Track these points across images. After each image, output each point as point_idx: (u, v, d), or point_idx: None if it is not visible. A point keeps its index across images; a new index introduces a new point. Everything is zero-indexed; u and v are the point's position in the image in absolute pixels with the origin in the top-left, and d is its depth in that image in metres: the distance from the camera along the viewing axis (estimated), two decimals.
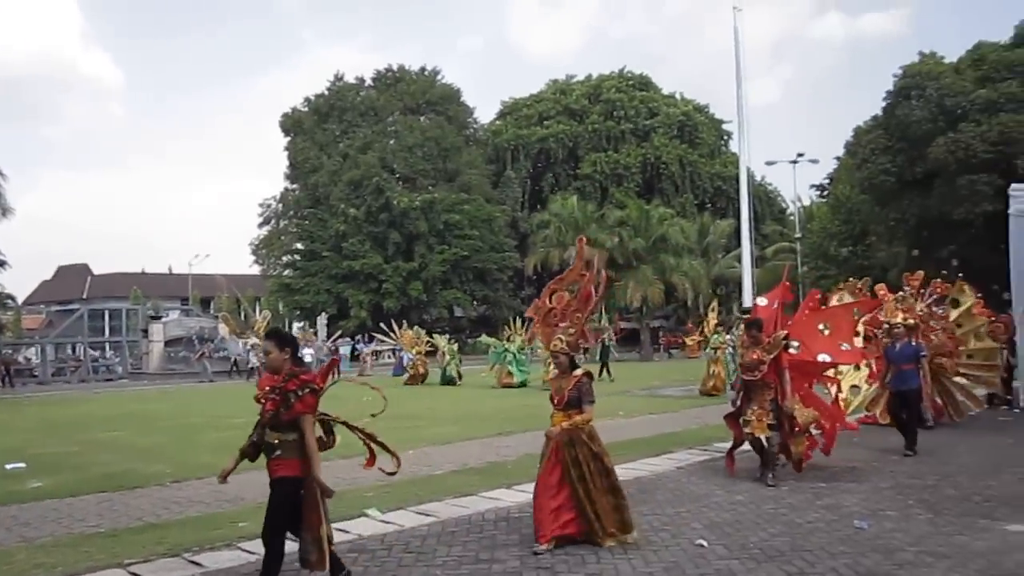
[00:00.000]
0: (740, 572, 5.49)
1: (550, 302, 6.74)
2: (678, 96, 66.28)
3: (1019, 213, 15.10)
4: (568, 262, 52.89)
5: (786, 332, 8.58)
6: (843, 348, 9.05)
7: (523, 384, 23.40)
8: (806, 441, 8.94)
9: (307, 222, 55.79)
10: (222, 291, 59.64)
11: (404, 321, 34.74)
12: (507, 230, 57.38)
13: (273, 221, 61.38)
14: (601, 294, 6.62)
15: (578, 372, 6.31)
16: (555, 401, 6.35)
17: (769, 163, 46.70)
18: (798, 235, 45.61)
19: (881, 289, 13.32)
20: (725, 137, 65.55)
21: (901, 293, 13.32)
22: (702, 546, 6.13)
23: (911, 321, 11.34)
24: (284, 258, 59.09)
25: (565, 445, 6.20)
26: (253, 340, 35.77)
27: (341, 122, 58.93)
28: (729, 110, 67.16)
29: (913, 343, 10.73)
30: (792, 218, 52.93)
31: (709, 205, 62.33)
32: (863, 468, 9.29)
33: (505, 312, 57.15)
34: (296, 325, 54.23)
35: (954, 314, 13.57)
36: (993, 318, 14.70)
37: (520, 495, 8.09)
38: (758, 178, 59.05)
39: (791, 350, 8.64)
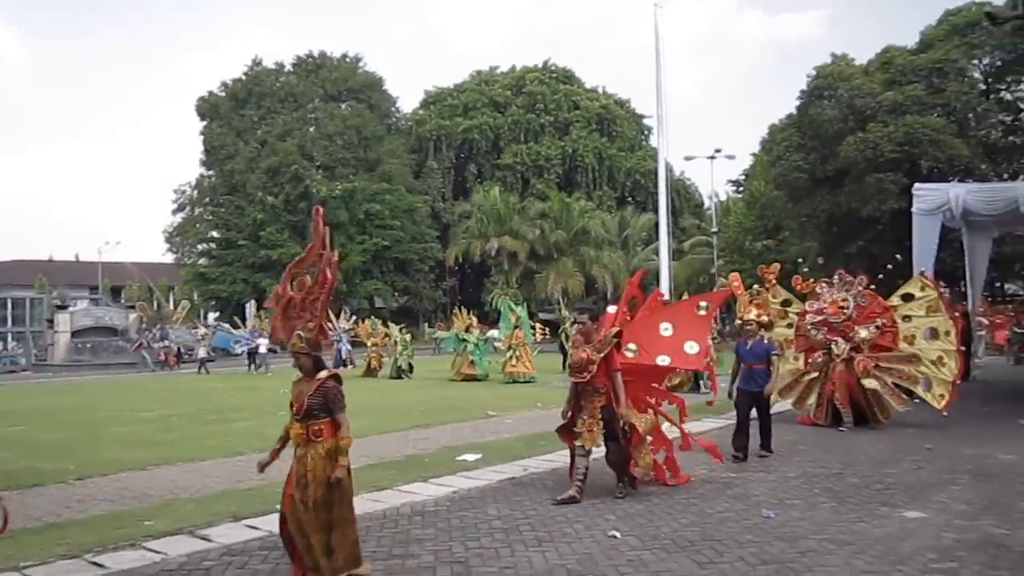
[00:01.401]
0: (651, 563, 5.58)
1: (291, 290, 5.48)
2: (600, 90, 66.94)
3: (922, 211, 15.76)
4: (490, 253, 53.24)
5: (618, 329, 7.71)
6: (687, 350, 8.11)
7: (486, 376, 22.45)
8: (652, 453, 8.04)
9: (223, 210, 54.45)
10: (133, 280, 57.78)
11: (345, 309, 34.23)
12: (429, 220, 57.12)
13: (188, 208, 59.82)
14: (333, 278, 5.36)
15: (323, 375, 5.26)
16: (294, 410, 5.29)
17: (688, 158, 47.46)
18: (715, 229, 46.55)
19: (798, 283, 13.20)
20: (645, 131, 66.49)
21: (756, 287, 12.80)
22: (615, 537, 6.20)
23: (764, 317, 10.62)
24: (199, 246, 57.67)
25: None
26: (203, 331, 34.77)
27: (259, 108, 57.70)
28: (650, 105, 68.10)
29: (765, 340, 10.05)
30: (709, 212, 54.01)
31: (629, 198, 63.21)
32: (772, 458, 9.55)
33: (427, 303, 57.07)
34: (212, 315, 53.05)
35: (904, 308, 12.58)
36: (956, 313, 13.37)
37: (437, 488, 8.07)
38: (677, 173, 60.11)
39: (628, 353, 7.86)
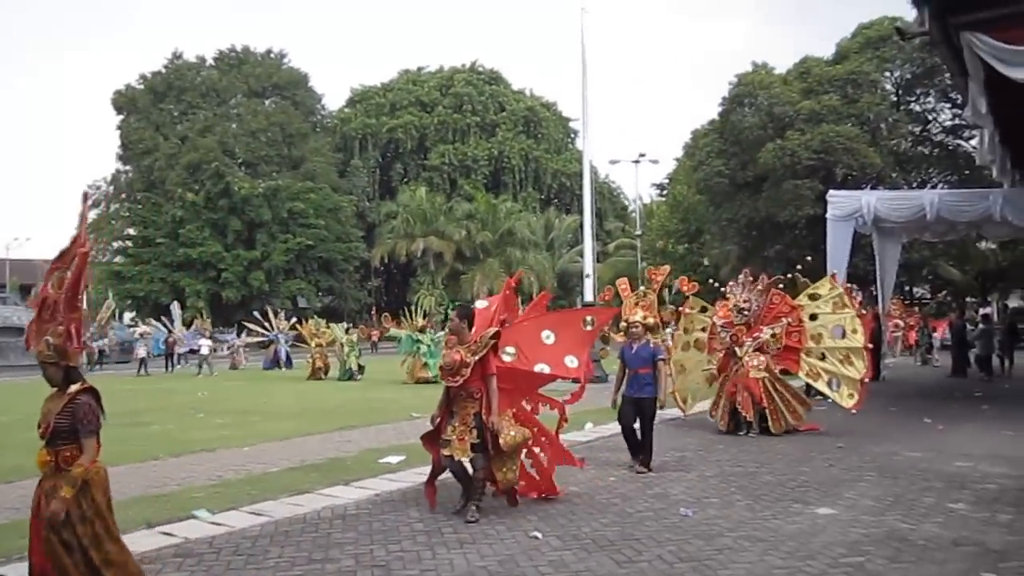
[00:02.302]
0: (572, 562, 5.63)
1: (50, 288, 4.58)
2: (527, 92, 67.35)
3: (836, 217, 16.31)
4: (416, 253, 53.01)
5: (496, 330, 7.09)
6: (567, 363, 7.55)
7: (437, 378, 22.15)
8: (519, 468, 7.32)
9: (141, 206, 52.85)
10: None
11: (279, 309, 33.63)
12: (354, 220, 56.55)
13: (103, 204, 57.98)
14: (82, 268, 4.57)
15: (74, 388, 4.45)
16: (40, 431, 4.52)
17: (613, 162, 48.21)
18: (638, 232, 47.29)
19: (683, 283, 13.46)
20: (571, 134, 67.15)
21: (642, 289, 12.45)
22: (536, 538, 6.24)
23: (650, 319, 10.01)
24: (115, 244, 55.83)
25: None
26: (143, 328, 33.34)
27: (179, 102, 56.32)
28: (576, 108, 68.76)
29: (651, 344, 9.25)
30: (633, 215, 54.83)
31: (554, 200, 63.78)
32: (690, 458, 9.74)
33: (351, 303, 56.45)
34: (128, 315, 51.44)
35: (811, 307, 12.28)
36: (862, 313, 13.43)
37: (359, 492, 7.99)
38: (602, 176, 60.96)
39: (506, 357, 7.28)
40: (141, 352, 29.25)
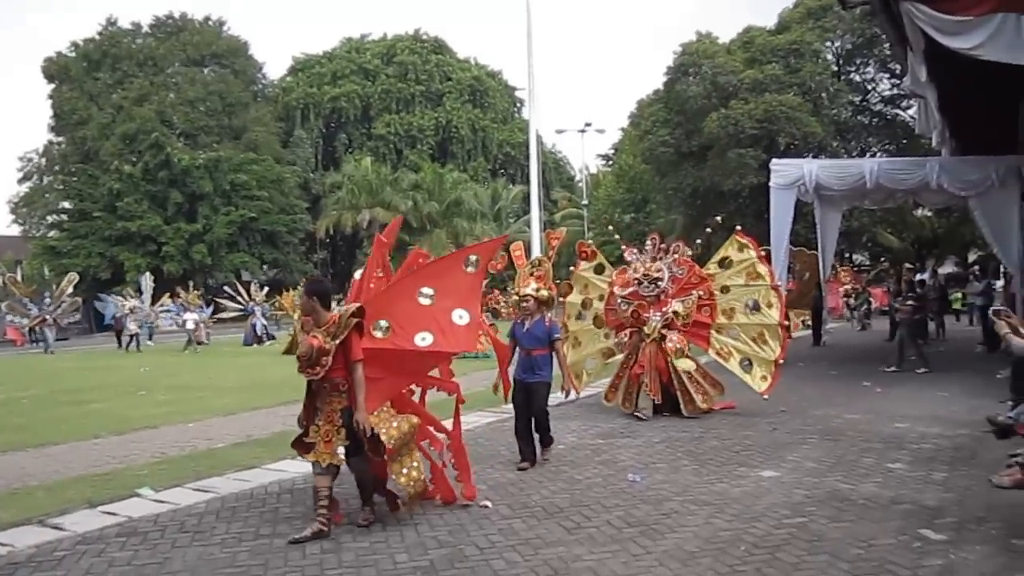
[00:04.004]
0: (522, 530, 5.66)
1: None
2: (472, 61, 66.81)
3: (778, 186, 16.49)
4: (362, 225, 52.48)
5: (357, 305, 5.79)
6: (456, 320, 6.10)
7: None
8: (415, 463, 6.11)
9: (75, 179, 51.30)
10: None
11: (255, 281, 32.93)
12: (298, 191, 55.78)
13: (35, 177, 56.32)
14: None
15: None
16: None
17: (559, 131, 48.24)
18: (585, 202, 47.46)
19: (582, 248, 11.70)
20: (517, 104, 66.91)
21: (537, 257, 9.83)
22: (486, 507, 6.26)
23: (544, 292, 8.22)
24: (49, 218, 54.29)
25: None
26: (133, 303, 31.97)
27: (114, 71, 54.65)
28: (522, 77, 68.38)
29: (547, 321, 7.99)
30: (580, 185, 54.98)
31: (501, 171, 63.63)
32: (637, 424, 9.86)
33: (297, 276, 55.74)
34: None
35: (722, 278, 10.89)
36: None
37: (306, 466, 7.83)
38: (548, 146, 60.97)
39: (377, 333, 5.94)
40: (132, 327, 28.24)
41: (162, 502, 6.71)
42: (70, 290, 32.94)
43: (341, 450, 5.70)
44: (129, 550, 5.47)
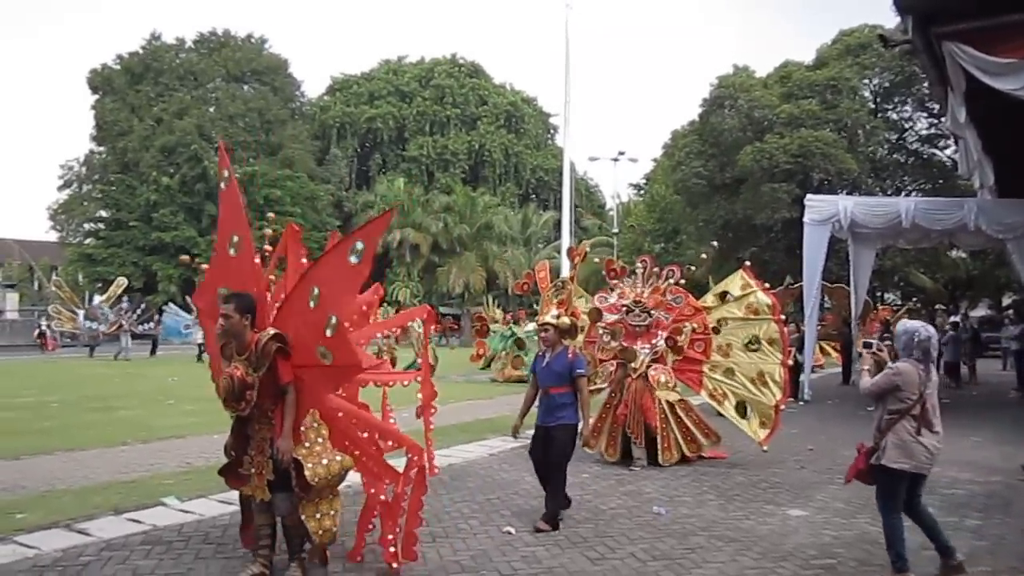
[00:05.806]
0: (545, 559, 5.62)
1: None
2: (508, 86, 67.31)
3: (812, 221, 16.41)
4: (392, 245, 52.76)
5: (273, 331, 4.94)
6: (327, 330, 4.75)
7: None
8: (333, 512, 5.22)
9: (114, 188, 52.05)
10: (14, 258, 54.85)
11: None
12: (331, 209, 56.16)
13: (75, 185, 57.22)
14: None
15: None
16: None
17: (592, 159, 48.19)
18: (615, 230, 47.39)
19: (609, 266, 10.65)
20: (551, 130, 67.19)
21: (561, 279, 8.63)
22: (510, 533, 6.23)
23: (566, 319, 7.02)
24: (86, 226, 55.11)
25: None
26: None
27: (156, 84, 55.48)
28: (557, 103, 68.80)
29: (569, 353, 6.82)
30: (611, 213, 54.95)
31: (532, 196, 63.86)
32: None
33: None
34: (97, 298, 50.76)
35: (719, 311, 10.00)
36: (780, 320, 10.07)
37: None
38: (581, 173, 61.06)
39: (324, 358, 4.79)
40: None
41: (187, 512, 6.74)
42: (116, 294, 33.55)
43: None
44: (153, 559, 5.49)
